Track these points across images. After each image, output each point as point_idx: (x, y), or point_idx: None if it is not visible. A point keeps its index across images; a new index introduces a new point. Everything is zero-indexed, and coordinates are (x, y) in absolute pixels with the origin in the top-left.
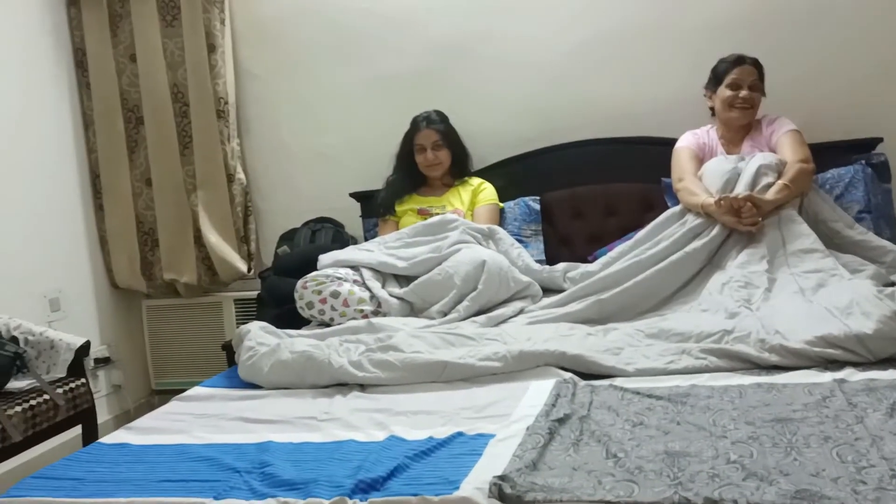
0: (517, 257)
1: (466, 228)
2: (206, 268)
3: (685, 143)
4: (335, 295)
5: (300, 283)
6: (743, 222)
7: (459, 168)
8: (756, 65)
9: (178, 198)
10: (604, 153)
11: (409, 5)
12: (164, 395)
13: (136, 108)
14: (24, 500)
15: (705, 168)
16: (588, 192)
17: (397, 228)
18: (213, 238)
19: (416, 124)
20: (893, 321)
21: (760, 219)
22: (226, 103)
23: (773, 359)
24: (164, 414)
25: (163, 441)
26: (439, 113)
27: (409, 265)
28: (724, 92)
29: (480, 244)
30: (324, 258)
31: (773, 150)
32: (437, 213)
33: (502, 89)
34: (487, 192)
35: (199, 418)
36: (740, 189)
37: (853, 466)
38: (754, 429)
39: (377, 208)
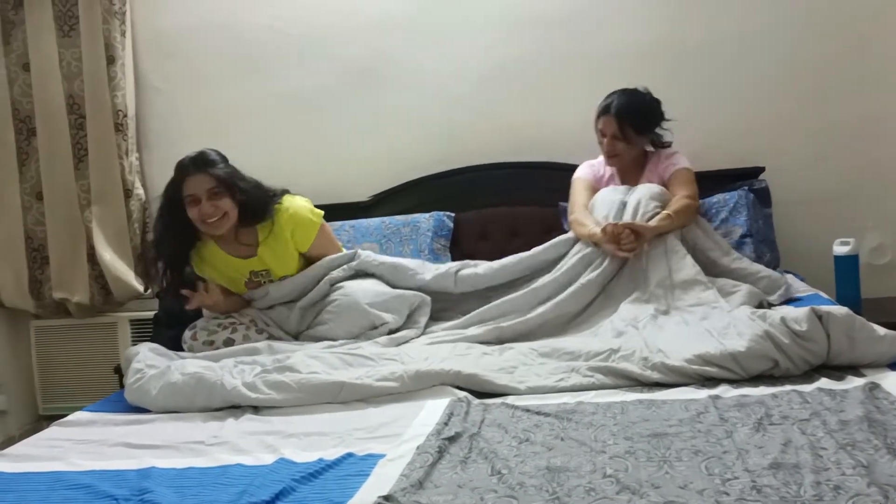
0: (405, 274)
1: (329, 280)
2: (100, 287)
3: (580, 175)
4: (229, 343)
5: (188, 332)
6: (621, 248)
7: (252, 214)
8: (618, 115)
9: (70, 213)
10: (510, 176)
11: (315, 24)
12: (53, 420)
13: (28, 119)
14: None
15: (595, 198)
16: (495, 214)
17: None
18: (107, 255)
19: (182, 169)
20: (764, 340)
21: (645, 246)
22: (125, 116)
23: (655, 376)
24: (41, 440)
25: (37, 468)
26: (215, 151)
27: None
28: (597, 137)
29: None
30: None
31: (664, 184)
32: (266, 283)
33: (411, 111)
34: (301, 222)
35: (79, 444)
36: (626, 219)
37: (719, 479)
38: (632, 443)
39: (163, 288)
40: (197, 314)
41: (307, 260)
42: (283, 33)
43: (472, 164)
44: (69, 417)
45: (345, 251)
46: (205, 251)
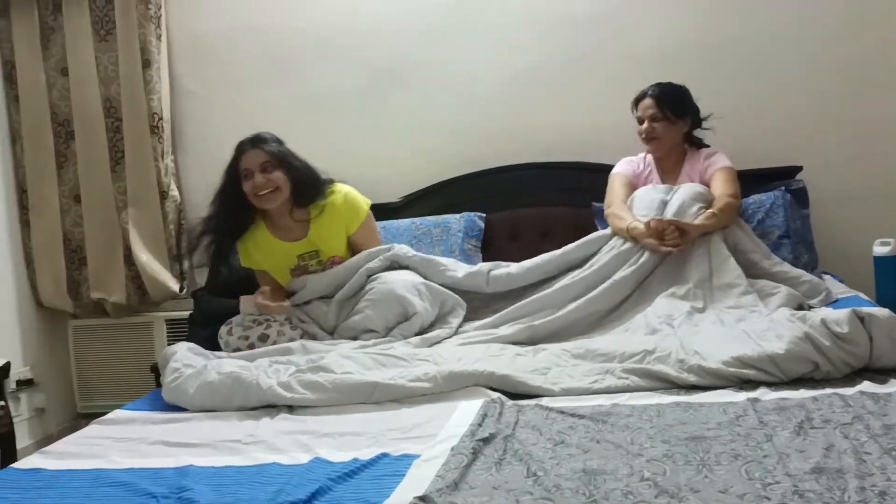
0: (436, 270)
1: (366, 271)
2: (136, 287)
3: (619, 170)
4: (263, 338)
5: (224, 328)
6: (664, 243)
7: (303, 193)
8: (657, 95)
9: (107, 215)
10: (541, 177)
11: (346, 27)
12: (90, 418)
13: (67, 123)
14: None
15: (634, 196)
16: (526, 215)
17: (266, 275)
18: (143, 256)
19: (239, 147)
20: (804, 342)
21: (688, 244)
22: (160, 119)
23: (692, 378)
24: (81, 438)
25: (78, 466)
26: (271, 133)
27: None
28: (637, 127)
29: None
30: (244, 299)
31: (705, 183)
32: (315, 264)
33: (441, 112)
34: (352, 205)
35: (119, 442)
36: (668, 217)
37: (759, 483)
38: (669, 447)
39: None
40: (233, 312)
41: (349, 247)
42: (314, 36)
43: (503, 165)
44: (108, 416)
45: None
46: (257, 235)
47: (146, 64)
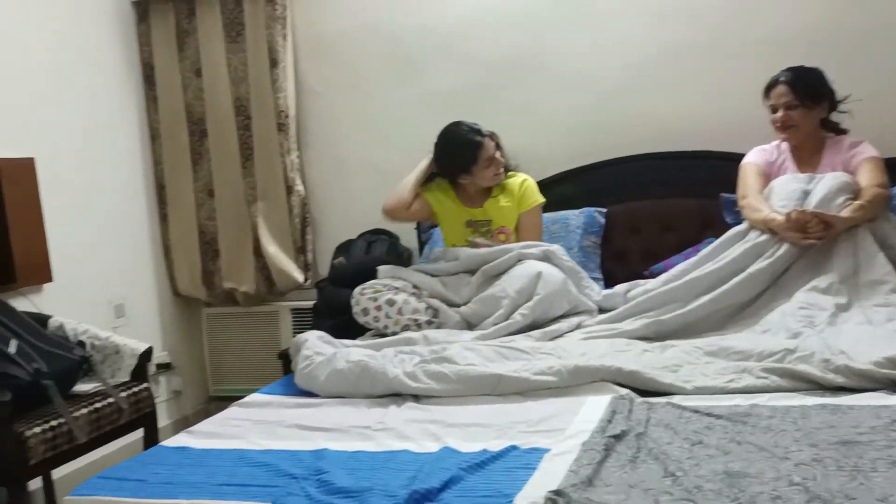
0: (578, 281)
1: (522, 251)
2: (264, 277)
3: (752, 160)
4: (391, 303)
5: (357, 289)
6: (808, 236)
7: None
8: (791, 81)
9: (238, 209)
10: (662, 168)
11: (465, 21)
12: (221, 401)
13: (201, 122)
14: (90, 499)
15: (773, 185)
16: (645, 207)
17: (427, 209)
18: (271, 248)
19: (475, 142)
20: None
21: (826, 237)
22: (286, 117)
23: (839, 380)
24: (223, 419)
25: (222, 446)
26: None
27: (466, 301)
28: (770, 116)
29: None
30: (383, 269)
31: (849, 173)
32: (483, 237)
33: (558, 103)
34: (529, 189)
35: (257, 424)
36: (810, 208)
37: None
38: (818, 451)
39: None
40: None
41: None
42: (432, 32)
43: (621, 156)
44: (246, 399)
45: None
46: (448, 191)
47: (273, 63)
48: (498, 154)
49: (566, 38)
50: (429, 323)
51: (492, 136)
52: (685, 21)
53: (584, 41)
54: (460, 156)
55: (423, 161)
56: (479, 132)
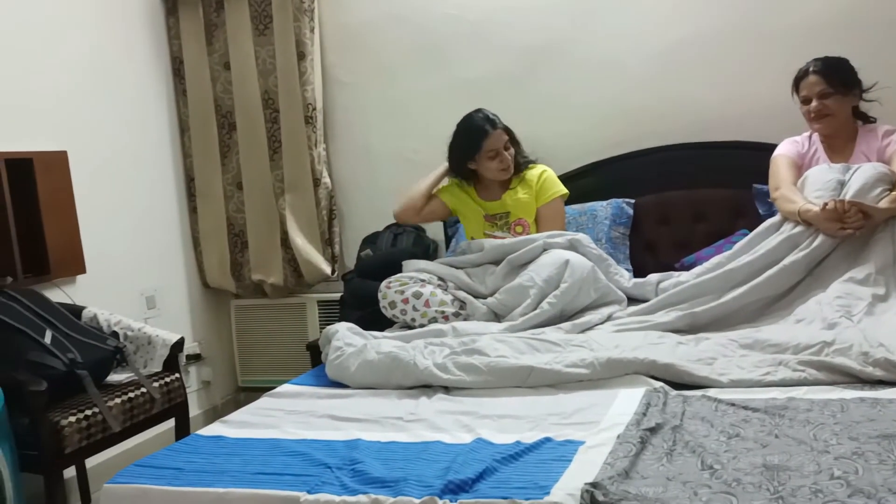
0: (606, 269)
1: (548, 240)
2: (292, 269)
3: (783, 151)
4: (417, 296)
5: (384, 283)
6: (845, 227)
7: (518, 167)
8: (822, 71)
9: (266, 201)
10: (694, 157)
11: (492, 7)
12: (249, 392)
13: (229, 115)
14: (128, 487)
15: (807, 176)
16: (676, 198)
17: (442, 209)
18: (299, 240)
19: (483, 130)
20: None
21: (864, 228)
22: (314, 109)
23: (878, 373)
24: (256, 409)
25: (256, 435)
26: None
27: (492, 292)
28: (800, 107)
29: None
30: (408, 263)
31: (884, 162)
32: (501, 230)
33: (588, 91)
34: (548, 181)
35: (290, 414)
36: (847, 199)
37: None
38: (858, 444)
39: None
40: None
41: (536, 219)
42: (460, 20)
43: (651, 146)
44: (278, 389)
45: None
46: (467, 186)
47: (301, 56)
48: (509, 151)
49: (595, 25)
50: (456, 315)
51: (507, 130)
52: (716, 7)
53: (613, 29)
54: (466, 141)
55: (439, 168)
56: (493, 122)
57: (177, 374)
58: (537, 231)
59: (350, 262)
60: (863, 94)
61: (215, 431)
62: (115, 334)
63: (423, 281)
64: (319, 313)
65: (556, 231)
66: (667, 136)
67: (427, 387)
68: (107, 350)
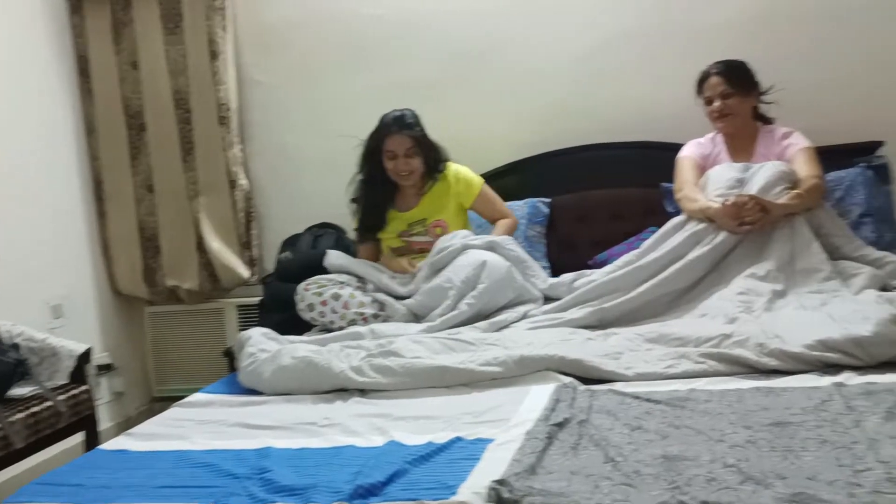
0: (524, 270)
1: (466, 242)
2: (208, 274)
3: (687, 153)
4: (336, 297)
5: (302, 285)
6: (744, 221)
7: (430, 171)
8: (723, 73)
9: (179, 204)
10: (612, 157)
11: (420, 11)
12: (165, 401)
13: (139, 115)
14: None
15: (709, 175)
16: (595, 197)
17: (379, 251)
18: (215, 244)
19: (387, 128)
20: (892, 324)
21: (769, 225)
22: (228, 109)
23: (772, 363)
24: (164, 420)
25: (162, 447)
26: (412, 113)
27: (412, 294)
28: (704, 108)
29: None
30: (332, 254)
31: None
32: (419, 236)
33: (512, 94)
34: (464, 180)
35: (200, 424)
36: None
37: (850, 470)
38: (752, 433)
39: (359, 233)
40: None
41: (480, 213)
42: (384, 21)
43: (569, 146)
44: (188, 398)
45: (507, 210)
46: (388, 205)
47: (213, 55)
48: (412, 159)
49: (515, 30)
50: (375, 317)
51: (417, 138)
52: (632, 12)
53: (532, 33)
54: (372, 135)
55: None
56: (400, 125)
57: (85, 386)
58: (491, 222)
59: (270, 266)
60: (761, 96)
61: (120, 445)
62: (15, 346)
63: (341, 283)
64: (239, 318)
65: (473, 236)
66: (587, 136)
67: (343, 391)
68: (7, 363)
